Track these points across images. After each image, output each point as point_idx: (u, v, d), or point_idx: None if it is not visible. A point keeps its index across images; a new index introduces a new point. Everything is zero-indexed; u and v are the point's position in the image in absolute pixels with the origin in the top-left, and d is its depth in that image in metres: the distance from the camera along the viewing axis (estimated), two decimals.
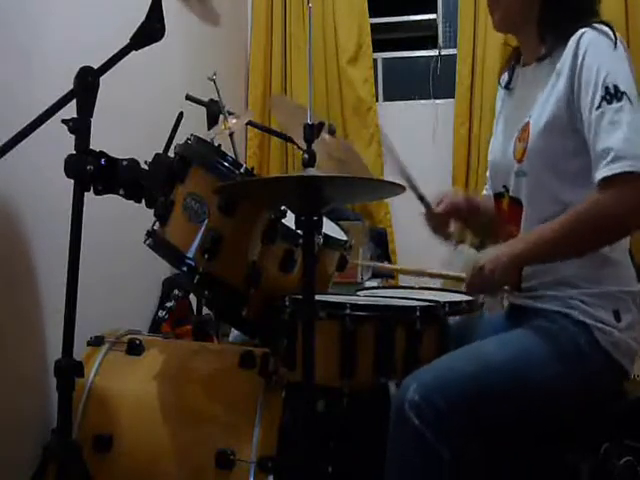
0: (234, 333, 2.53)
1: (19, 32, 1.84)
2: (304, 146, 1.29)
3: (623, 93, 1.27)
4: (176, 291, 2.53)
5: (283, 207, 1.64)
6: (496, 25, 1.51)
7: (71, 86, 1.42)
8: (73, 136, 1.43)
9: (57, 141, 1.49)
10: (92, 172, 1.46)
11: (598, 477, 1.37)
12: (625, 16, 3.40)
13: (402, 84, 4.19)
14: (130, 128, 2.36)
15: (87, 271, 1.50)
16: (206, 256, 1.60)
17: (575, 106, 1.33)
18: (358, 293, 1.91)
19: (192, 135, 1.72)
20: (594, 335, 1.35)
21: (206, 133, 2.21)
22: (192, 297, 2.59)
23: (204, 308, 2.28)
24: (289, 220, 1.54)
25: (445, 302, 1.55)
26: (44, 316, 1.91)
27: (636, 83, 1.31)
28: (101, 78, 1.43)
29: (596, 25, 1.34)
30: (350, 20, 3.87)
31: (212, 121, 2.33)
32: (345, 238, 1.94)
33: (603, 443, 1.37)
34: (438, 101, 3.90)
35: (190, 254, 1.63)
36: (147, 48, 1.44)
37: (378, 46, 3.99)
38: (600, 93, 1.28)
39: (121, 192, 1.62)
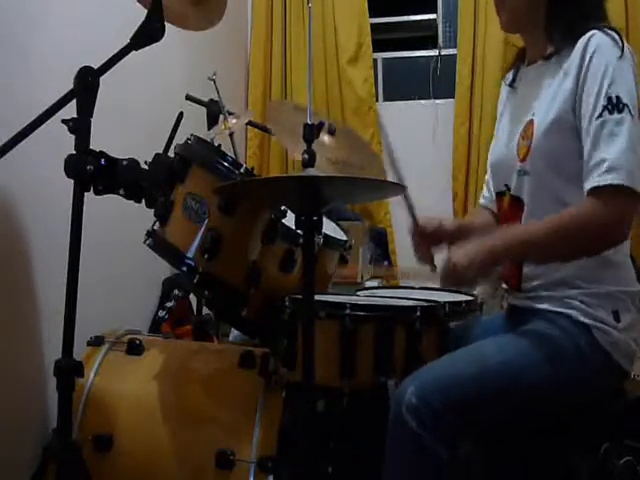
0: (234, 333, 2.53)
1: (19, 32, 1.84)
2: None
3: (625, 105, 1.27)
4: (176, 291, 2.53)
5: (283, 207, 1.64)
6: (503, 26, 1.51)
7: (71, 86, 1.42)
8: (73, 136, 1.43)
9: (57, 141, 1.49)
10: (92, 172, 1.46)
11: (598, 477, 1.37)
12: (625, 16, 3.40)
13: (402, 84, 4.19)
14: (130, 128, 2.36)
15: (87, 271, 1.49)
16: (206, 256, 1.60)
17: (576, 108, 1.33)
18: (358, 293, 1.91)
19: (192, 135, 1.72)
20: (594, 335, 1.35)
21: (206, 133, 2.21)
22: (192, 297, 2.59)
23: (204, 308, 2.28)
24: (289, 220, 1.54)
25: (445, 302, 1.55)
26: (44, 316, 1.91)
27: (638, 88, 1.32)
28: (101, 78, 1.43)
29: (606, 29, 1.34)
30: (350, 20, 3.87)
31: (212, 121, 2.33)
32: (345, 238, 1.94)
33: (603, 443, 1.37)
34: (438, 101, 3.91)
35: (190, 254, 1.63)
36: (147, 48, 1.44)
37: (378, 46, 3.99)
38: (602, 102, 1.28)
39: (121, 192, 1.62)
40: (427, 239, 1.59)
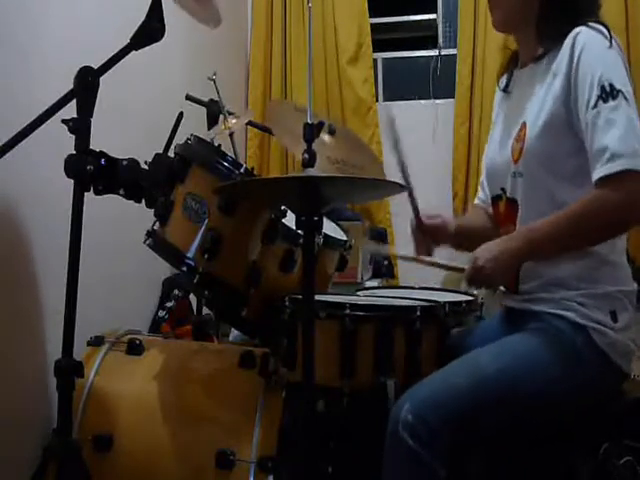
0: (234, 333, 2.53)
1: (19, 32, 1.84)
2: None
3: (619, 91, 1.27)
4: (176, 291, 2.53)
5: (283, 207, 1.64)
6: (495, 24, 1.51)
7: (71, 86, 1.42)
8: (73, 136, 1.43)
9: (57, 141, 1.49)
10: (92, 172, 1.46)
11: (598, 477, 1.37)
12: (625, 16, 3.40)
13: (402, 84, 4.19)
14: (130, 128, 2.36)
15: (87, 271, 1.49)
16: (206, 256, 1.60)
17: (572, 105, 1.33)
18: (358, 293, 1.91)
19: (192, 135, 1.72)
20: (591, 337, 1.34)
21: (206, 133, 2.21)
22: (192, 297, 2.59)
23: (204, 308, 2.28)
24: (289, 220, 1.54)
25: (445, 302, 1.55)
26: (44, 316, 1.91)
27: (633, 82, 1.32)
28: (101, 78, 1.43)
29: (591, 24, 1.34)
30: (350, 20, 3.87)
31: (212, 121, 2.33)
32: (345, 238, 1.94)
33: (603, 443, 1.36)
34: (438, 101, 3.90)
35: (190, 254, 1.63)
36: (147, 48, 1.44)
37: (378, 46, 3.99)
38: (596, 92, 1.28)
39: (121, 192, 1.62)
40: (428, 236, 1.59)
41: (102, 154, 1.53)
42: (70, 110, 1.42)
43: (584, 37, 1.33)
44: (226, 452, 1.62)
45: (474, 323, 1.68)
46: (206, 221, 1.62)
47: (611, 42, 1.31)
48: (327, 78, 3.88)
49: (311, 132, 1.30)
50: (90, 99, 1.42)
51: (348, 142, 1.88)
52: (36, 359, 1.89)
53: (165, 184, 1.67)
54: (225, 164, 1.63)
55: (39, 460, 1.47)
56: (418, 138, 3.80)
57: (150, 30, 1.43)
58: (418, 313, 1.49)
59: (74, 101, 1.42)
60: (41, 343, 1.91)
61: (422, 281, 2.05)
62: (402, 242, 3.80)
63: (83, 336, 1.77)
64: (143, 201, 1.68)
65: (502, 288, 1.53)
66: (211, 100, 2.34)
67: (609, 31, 1.33)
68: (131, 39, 1.44)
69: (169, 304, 2.56)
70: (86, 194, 1.47)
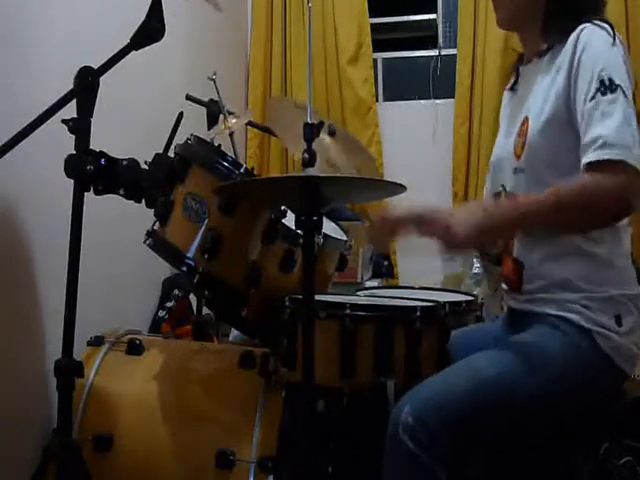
0: (234, 333, 2.53)
1: (19, 31, 1.84)
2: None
3: (618, 86, 1.27)
4: (176, 291, 2.53)
5: (283, 207, 1.64)
6: (500, 22, 1.50)
7: (71, 86, 1.42)
8: (73, 136, 1.43)
9: (57, 141, 1.49)
10: (92, 172, 1.46)
11: (598, 477, 1.36)
12: (625, 16, 3.41)
13: (402, 84, 4.19)
14: (130, 128, 2.36)
15: (87, 271, 1.49)
16: (206, 256, 1.60)
17: (571, 105, 1.33)
18: (358, 293, 1.91)
19: (192, 135, 1.72)
20: (595, 340, 1.33)
21: (206, 133, 2.21)
22: (192, 297, 2.59)
23: (204, 308, 2.28)
24: (289, 220, 1.54)
25: (445, 302, 1.54)
26: (44, 316, 1.91)
27: (635, 83, 1.31)
28: (101, 78, 1.43)
29: (596, 21, 1.34)
30: (350, 20, 3.87)
31: (212, 121, 2.33)
32: (345, 238, 1.94)
33: (603, 443, 1.36)
34: (438, 101, 3.90)
35: (190, 254, 1.63)
36: (147, 48, 1.44)
37: (378, 46, 3.99)
38: (595, 85, 1.27)
39: (121, 192, 1.62)
40: (389, 226, 1.51)
41: (102, 154, 1.53)
42: (70, 110, 1.42)
43: (588, 33, 1.33)
44: (226, 452, 1.62)
45: (474, 323, 1.68)
46: (206, 221, 1.62)
47: (615, 40, 1.31)
48: (327, 78, 3.89)
49: (311, 132, 1.30)
50: (90, 99, 1.42)
51: (346, 145, 1.87)
52: (36, 359, 1.89)
53: (165, 184, 1.67)
54: (225, 164, 1.63)
55: (39, 460, 1.47)
56: (418, 138, 3.82)
57: (150, 30, 1.43)
58: (418, 313, 1.48)
59: (74, 101, 1.42)
60: (41, 343, 1.91)
61: (422, 281, 2.06)
62: (402, 242, 3.81)
63: (83, 336, 1.77)
64: (143, 201, 1.68)
65: (504, 286, 1.52)
66: (211, 100, 2.34)
67: (613, 29, 1.33)
68: (131, 39, 1.44)
69: (169, 304, 2.56)
70: (86, 194, 1.47)
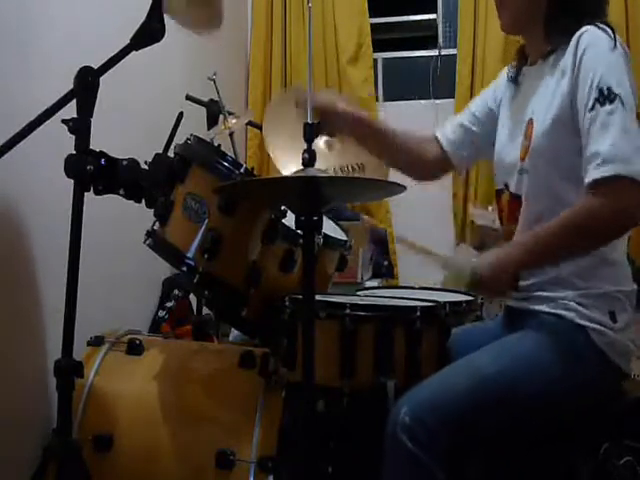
0: (234, 333, 2.53)
1: (18, 31, 1.84)
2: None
3: (617, 95, 1.27)
4: (176, 291, 2.53)
5: (283, 207, 1.64)
6: (504, 27, 1.50)
7: (71, 86, 1.42)
8: (73, 136, 1.43)
9: (57, 141, 1.49)
10: (92, 172, 1.46)
11: (598, 477, 1.37)
12: (625, 16, 3.41)
13: (402, 84, 4.19)
14: (130, 128, 2.36)
15: (87, 271, 1.49)
16: (206, 256, 1.60)
17: (575, 103, 1.33)
18: (358, 293, 1.91)
19: (192, 135, 1.72)
20: (590, 337, 1.34)
21: (206, 133, 2.21)
22: (192, 297, 2.59)
23: (204, 308, 2.28)
24: (289, 220, 1.54)
25: (445, 302, 1.55)
26: (44, 316, 1.91)
27: (635, 85, 1.32)
28: (101, 78, 1.43)
29: (598, 24, 1.34)
30: (350, 20, 3.87)
31: (212, 121, 2.33)
32: (345, 238, 1.94)
33: (603, 443, 1.37)
34: (438, 101, 3.90)
35: (190, 254, 1.63)
36: (147, 48, 1.44)
37: (378, 46, 3.99)
38: (594, 95, 1.28)
39: (121, 192, 1.62)
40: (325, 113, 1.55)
41: (102, 154, 1.53)
42: (70, 110, 1.42)
43: (588, 37, 1.33)
44: (226, 452, 1.62)
45: (474, 323, 1.68)
46: (206, 221, 1.62)
47: (615, 43, 1.31)
48: (327, 78, 3.89)
49: (311, 132, 1.30)
50: (90, 99, 1.42)
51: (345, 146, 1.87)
52: (36, 359, 1.89)
53: (165, 184, 1.67)
54: (225, 164, 1.63)
55: (39, 460, 1.47)
56: None
57: (150, 30, 1.43)
58: (418, 313, 1.48)
59: (74, 101, 1.42)
60: (41, 343, 1.91)
61: (422, 281, 2.05)
62: (401, 242, 3.81)
63: (83, 336, 1.77)
64: (143, 201, 1.68)
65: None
66: (211, 100, 2.34)
67: (614, 32, 1.33)
68: (131, 39, 1.43)
69: (169, 304, 2.56)
70: (86, 194, 1.47)
